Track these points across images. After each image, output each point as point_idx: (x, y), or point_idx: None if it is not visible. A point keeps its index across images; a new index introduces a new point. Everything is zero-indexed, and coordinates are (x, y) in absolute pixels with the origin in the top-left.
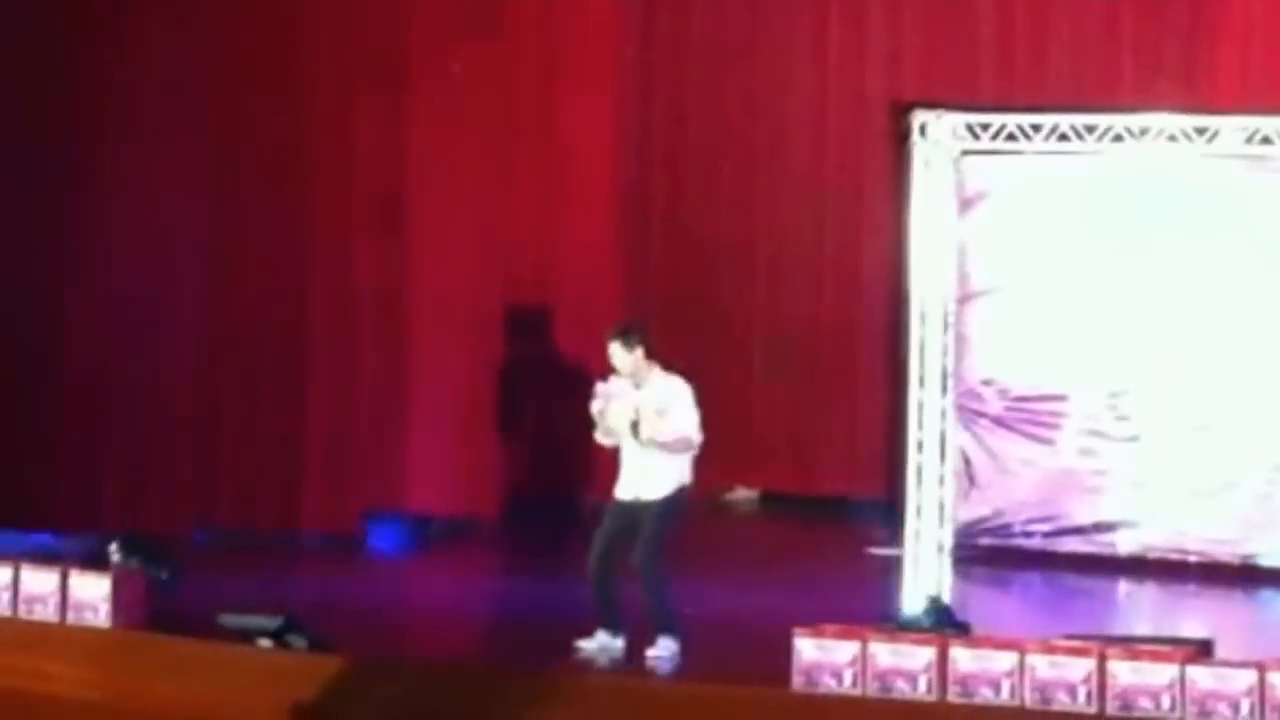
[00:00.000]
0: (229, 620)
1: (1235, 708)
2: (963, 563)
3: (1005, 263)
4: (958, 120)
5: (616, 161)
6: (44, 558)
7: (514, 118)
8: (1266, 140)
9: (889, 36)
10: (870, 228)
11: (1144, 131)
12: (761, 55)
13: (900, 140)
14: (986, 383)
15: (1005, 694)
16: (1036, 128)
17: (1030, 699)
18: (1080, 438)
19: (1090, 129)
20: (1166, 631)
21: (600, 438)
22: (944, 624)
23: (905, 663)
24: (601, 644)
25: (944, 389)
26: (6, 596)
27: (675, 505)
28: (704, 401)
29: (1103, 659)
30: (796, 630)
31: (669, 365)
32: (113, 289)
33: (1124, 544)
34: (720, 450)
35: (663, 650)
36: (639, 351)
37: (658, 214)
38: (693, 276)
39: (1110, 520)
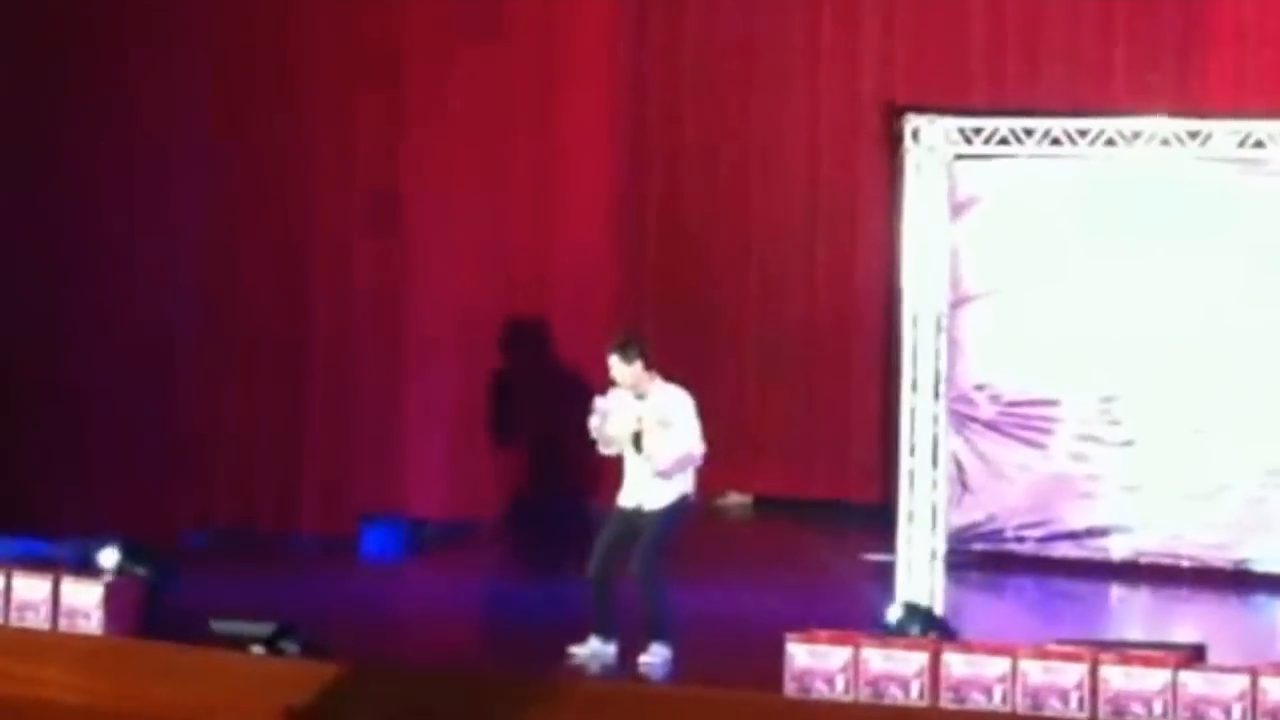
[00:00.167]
0: (221, 627)
1: (1227, 713)
2: (955, 568)
3: (998, 267)
4: (950, 125)
5: (612, 165)
6: (36, 564)
7: (510, 121)
8: (1259, 144)
9: (882, 41)
10: (863, 232)
11: (1136, 135)
12: (755, 59)
13: (893, 145)
14: (979, 387)
15: (997, 699)
16: (1029, 132)
17: (1022, 704)
18: (1073, 442)
19: (1083, 133)
20: (1159, 637)
21: (602, 449)
22: (926, 627)
23: (897, 668)
24: (594, 650)
25: (936, 394)
26: None
27: (677, 514)
28: (697, 406)
29: (1095, 664)
30: (789, 636)
31: (668, 375)
32: (109, 292)
33: (1117, 549)
34: (713, 454)
35: (655, 656)
36: (638, 364)
37: (653, 218)
38: (687, 281)
39: (1103, 525)
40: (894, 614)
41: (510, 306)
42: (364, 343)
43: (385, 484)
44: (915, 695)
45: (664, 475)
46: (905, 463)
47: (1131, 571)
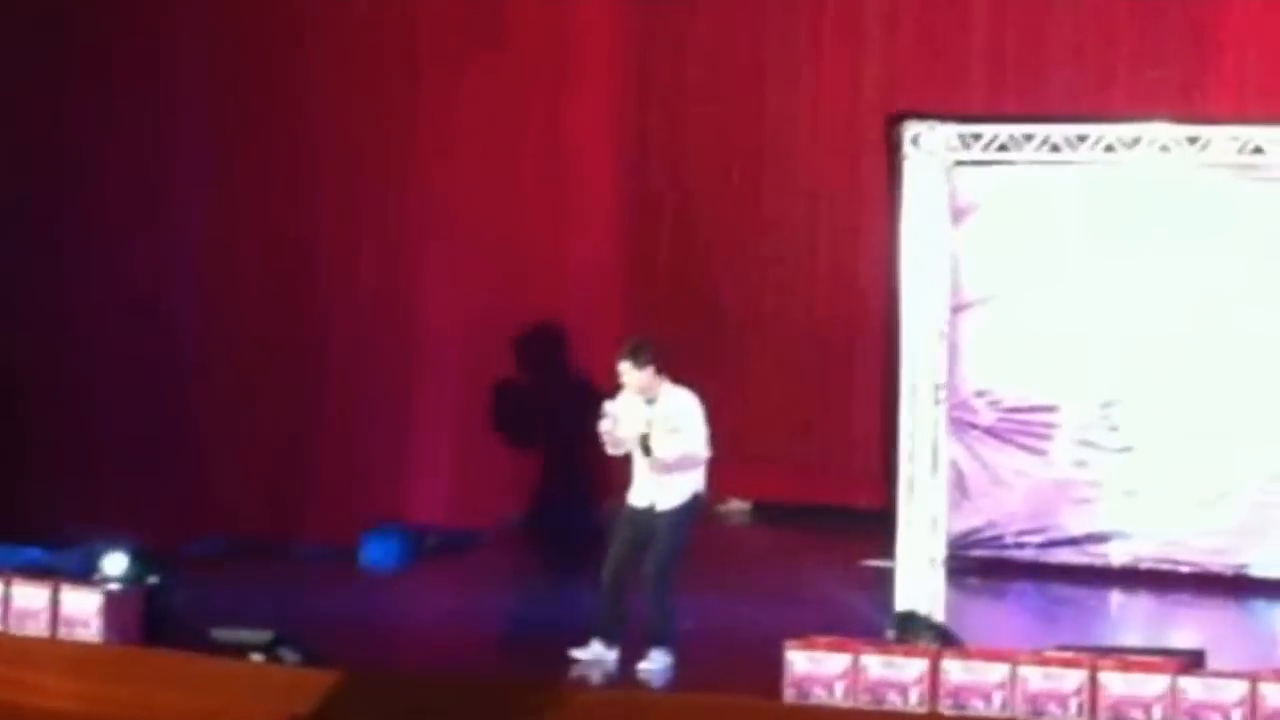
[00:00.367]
0: (220, 635)
1: (1227, 719)
2: (955, 574)
3: (998, 273)
4: (950, 131)
5: (618, 172)
6: (35, 573)
7: (518, 127)
8: (1258, 150)
9: (883, 47)
10: (864, 238)
11: (1136, 141)
12: (758, 65)
13: (893, 150)
14: (979, 393)
15: (997, 706)
16: (1029, 138)
17: (1022, 711)
18: (1072, 448)
19: (1082, 139)
20: (1158, 642)
21: (610, 450)
22: (923, 632)
23: (897, 675)
24: (596, 654)
25: (936, 400)
26: None
27: (690, 514)
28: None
29: (1094, 670)
30: (788, 642)
31: (676, 378)
32: (111, 300)
33: (1116, 555)
34: (713, 460)
35: (655, 663)
36: (649, 369)
37: (658, 225)
38: (691, 287)
39: (1102, 531)
40: (891, 633)
41: (515, 313)
42: (368, 351)
43: (388, 492)
44: (914, 702)
45: (666, 471)
46: (905, 469)
47: (1131, 577)
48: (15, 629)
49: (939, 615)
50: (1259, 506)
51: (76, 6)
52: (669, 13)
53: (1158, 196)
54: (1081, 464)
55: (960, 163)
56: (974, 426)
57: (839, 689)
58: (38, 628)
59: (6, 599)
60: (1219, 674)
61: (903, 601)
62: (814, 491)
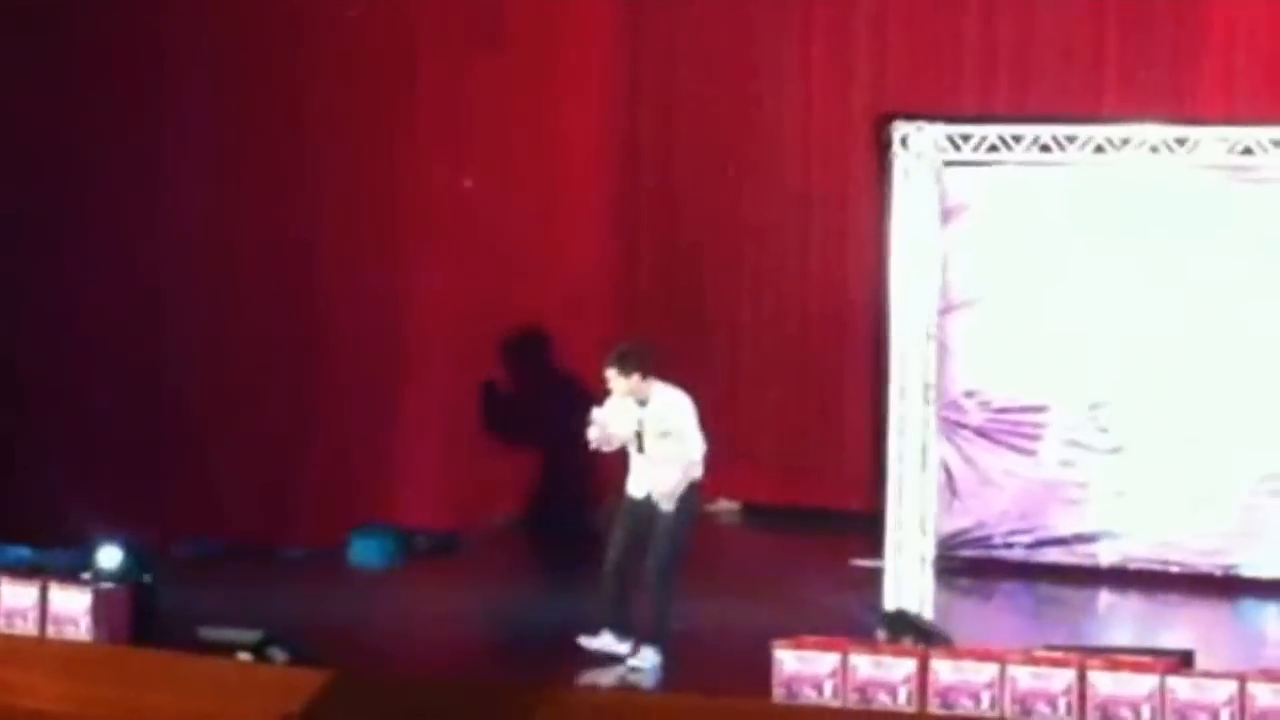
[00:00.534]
0: (208, 634)
1: (1215, 719)
2: (944, 574)
3: (987, 273)
4: (939, 131)
5: (607, 173)
6: (24, 571)
7: (507, 131)
8: (1248, 151)
9: (872, 48)
10: (853, 239)
11: (1125, 142)
12: (747, 67)
13: (882, 151)
14: (968, 394)
15: (986, 705)
16: (1018, 138)
17: (1011, 710)
18: (1062, 449)
19: (1072, 139)
20: (1147, 642)
21: (604, 448)
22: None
23: (886, 674)
24: (606, 644)
25: (925, 400)
26: None
27: (689, 505)
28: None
29: (1083, 670)
30: (777, 642)
31: (665, 378)
32: (102, 303)
33: (1105, 555)
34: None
35: (644, 661)
36: (635, 376)
37: (647, 225)
38: (680, 288)
39: (1091, 531)
40: (882, 632)
41: (505, 315)
42: (358, 352)
43: (377, 493)
44: (903, 701)
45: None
46: (894, 469)
47: (1120, 577)
48: (4, 627)
49: (928, 615)
50: (1248, 507)
51: (76, 5)
52: (659, 15)
53: (1147, 198)
54: (1071, 464)
55: (949, 163)
56: (963, 427)
57: (828, 689)
58: (26, 626)
59: None
60: (1208, 674)
61: (892, 602)
62: (803, 492)
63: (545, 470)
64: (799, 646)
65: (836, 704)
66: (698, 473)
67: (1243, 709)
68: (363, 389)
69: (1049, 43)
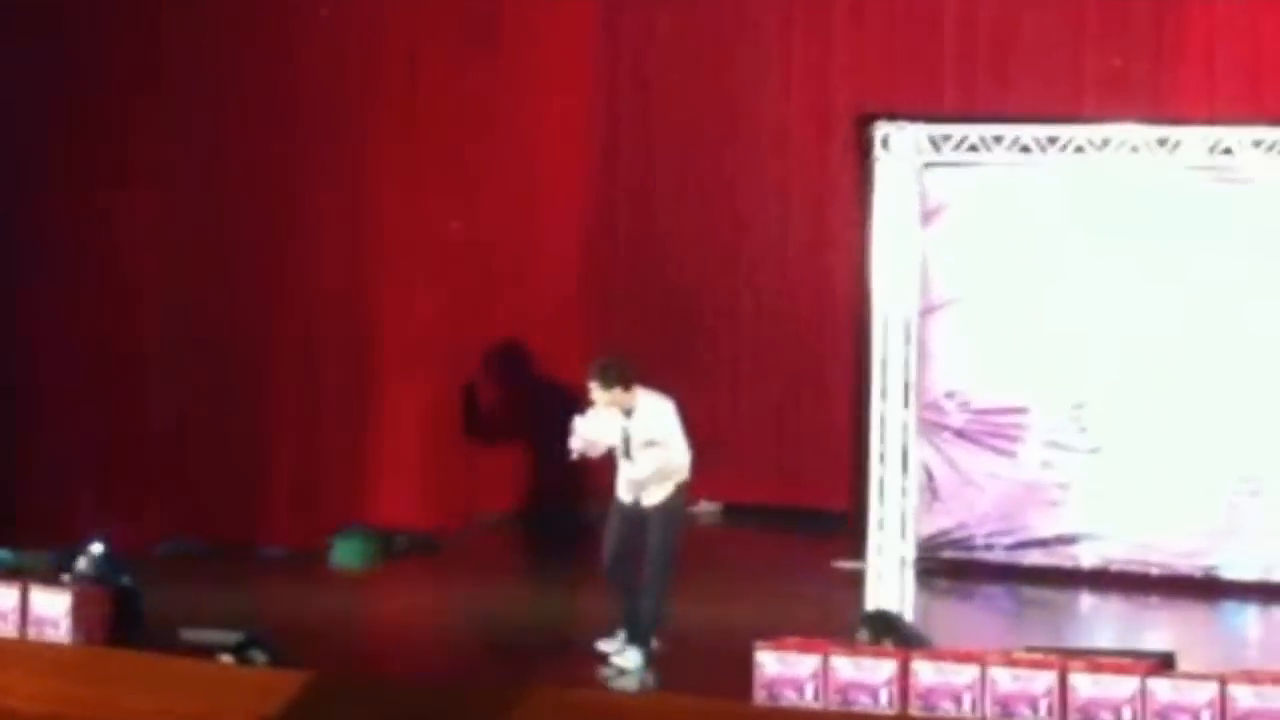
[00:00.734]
0: (189, 635)
1: None
2: (925, 575)
3: (967, 274)
4: (920, 132)
5: (586, 174)
6: (4, 573)
7: (484, 133)
8: (1228, 151)
9: (852, 48)
10: (833, 240)
11: (1106, 143)
12: (726, 68)
13: (863, 152)
14: (949, 395)
15: (967, 707)
16: (999, 139)
17: (991, 712)
18: (1042, 450)
19: (1052, 140)
20: (1128, 644)
21: (591, 454)
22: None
23: (867, 676)
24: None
25: (906, 401)
26: None
27: (677, 507)
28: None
29: (1064, 672)
30: (758, 644)
31: (647, 381)
32: (78, 303)
33: (1086, 556)
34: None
35: (628, 661)
36: (618, 389)
37: (625, 227)
38: (658, 289)
39: (1072, 533)
40: (864, 633)
41: (482, 316)
42: (334, 353)
43: (355, 495)
44: (884, 703)
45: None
46: (875, 470)
47: (1101, 579)
48: None
49: (909, 617)
50: (1228, 508)
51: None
52: (637, 17)
53: (1128, 198)
54: (1051, 466)
55: (930, 164)
56: (944, 428)
57: (809, 690)
58: (6, 628)
59: None
60: (1188, 675)
61: (873, 603)
62: (784, 493)
63: (525, 470)
64: (780, 648)
65: (818, 706)
66: (685, 476)
67: (1223, 711)
68: (342, 390)
69: (1029, 44)
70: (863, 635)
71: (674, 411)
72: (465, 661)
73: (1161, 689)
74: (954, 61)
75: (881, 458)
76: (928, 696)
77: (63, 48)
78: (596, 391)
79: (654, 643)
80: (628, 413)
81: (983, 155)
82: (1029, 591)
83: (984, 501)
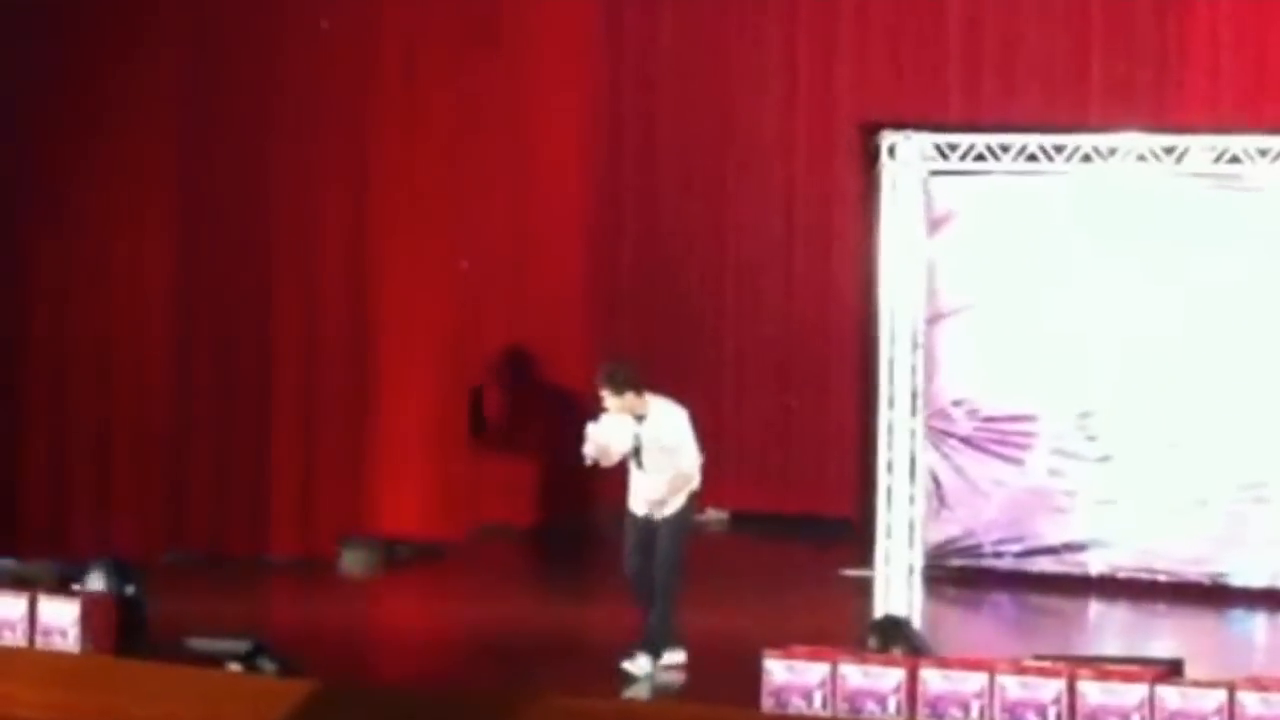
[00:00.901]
0: (197, 644)
1: None
2: (933, 583)
3: (974, 283)
4: (926, 141)
5: (588, 181)
6: (12, 583)
7: (485, 137)
8: (1235, 159)
9: (857, 57)
10: (840, 249)
11: (1112, 151)
12: (730, 78)
13: (869, 161)
14: (956, 403)
15: (975, 715)
16: (1005, 148)
17: None
18: (1050, 458)
19: (1059, 149)
20: (1136, 651)
21: (604, 463)
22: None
23: (875, 684)
24: (672, 658)
25: (913, 409)
26: None
27: (686, 516)
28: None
29: (1072, 679)
30: (766, 651)
31: (656, 389)
32: (80, 311)
33: (1094, 564)
34: None
35: (638, 667)
36: (629, 394)
37: (629, 234)
38: (664, 297)
39: (1080, 540)
40: (873, 640)
41: (485, 323)
42: (336, 364)
43: (360, 503)
44: (892, 711)
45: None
46: (883, 478)
47: (1109, 586)
48: None
49: (916, 625)
50: (1236, 515)
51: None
52: (641, 22)
53: (1135, 206)
54: (1059, 473)
55: (936, 173)
56: (951, 436)
57: (817, 698)
58: (15, 638)
59: None
60: (1197, 683)
61: (881, 611)
62: (792, 501)
63: (530, 477)
64: (788, 656)
65: (826, 714)
66: (696, 483)
67: (1232, 717)
68: (346, 397)
69: (1034, 52)
70: (872, 642)
71: (686, 418)
72: (471, 669)
73: (1170, 696)
74: (959, 70)
75: (889, 465)
76: (936, 704)
77: (62, 47)
78: (608, 398)
79: (678, 653)
80: (639, 418)
81: (989, 164)
82: (1037, 599)
83: (991, 509)
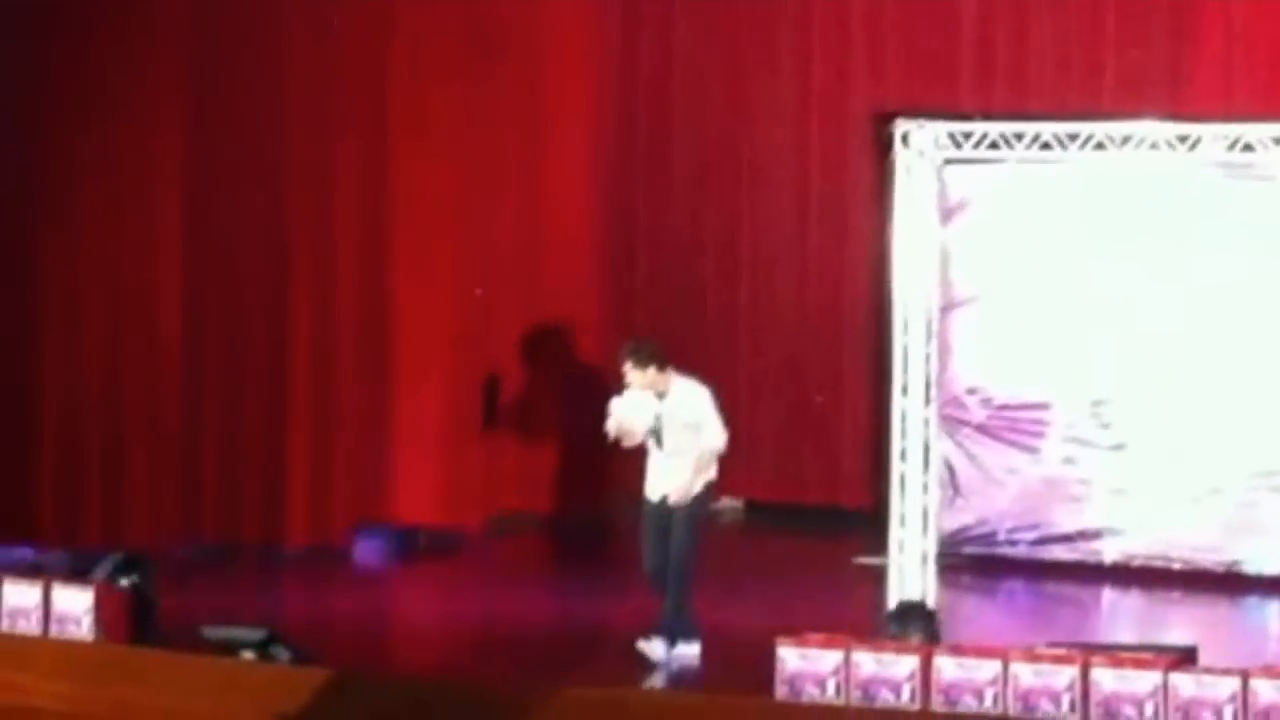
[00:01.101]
0: (212, 633)
1: (1219, 715)
2: (947, 571)
3: (988, 271)
4: (940, 129)
5: (602, 172)
6: (27, 571)
7: (499, 129)
8: (1248, 148)
9: (871, 46)
10: (853, 237)
11: (1126, 139)
12: (744, 67)
13: (883, 150)
14: (970, 391)
15: (989, 702)
16: (1019, 136)
17: (1014, 707)
18: (1064, 446)
19: (1072, 137)
20: (1150, 639)
21: (625, 443)
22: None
23: (889, 671)
24: (687, 651)
25: (927, 398)
26: None
27: (703, 503)
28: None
29: (1086, 667)
30: (780, 639)
31: (690, 363)
32: (93, 303)
33: (1108, 552)
34: None
35: (653, 650)
36: (652, 369)
37: (642, 223)
38: (677, 287)
39: (1094, 528)
40: (892, 625)
41: (499, 314)
42: (350, 352)
43: (374, 493)
44: (906, 698)
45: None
46: (896, 467)
47: (1123, 574)
48: (6, 627)
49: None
50: (1250, 503)
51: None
52: (652, 13)
53: (1148, 194)
54: (1073, 461)
55: (950, 161)
56: (965, 424)
57: (831, 686)
58: (29, 626)
59: None
60: (1210, 670)
61: (896, 599)
62: (806, 490)
63: (546, 466)
64: (802, 644)
65: (840, 701)
66: (713, 473)
67: (1246, 705)
68: (361, 387)
69: (1047, 40)
70: (891, 627)
71: (709, 395)
72: (486, 659)
73: (1184, 684)
74: (973, 58)
75: (903, 454)
76: (950, 691)
77: (66, 43)
78: (631, 373)
79: (694, 645)
80: (661, 395)
81: (1002, 152)
82: (1051, 587)
83: (1005, 497)
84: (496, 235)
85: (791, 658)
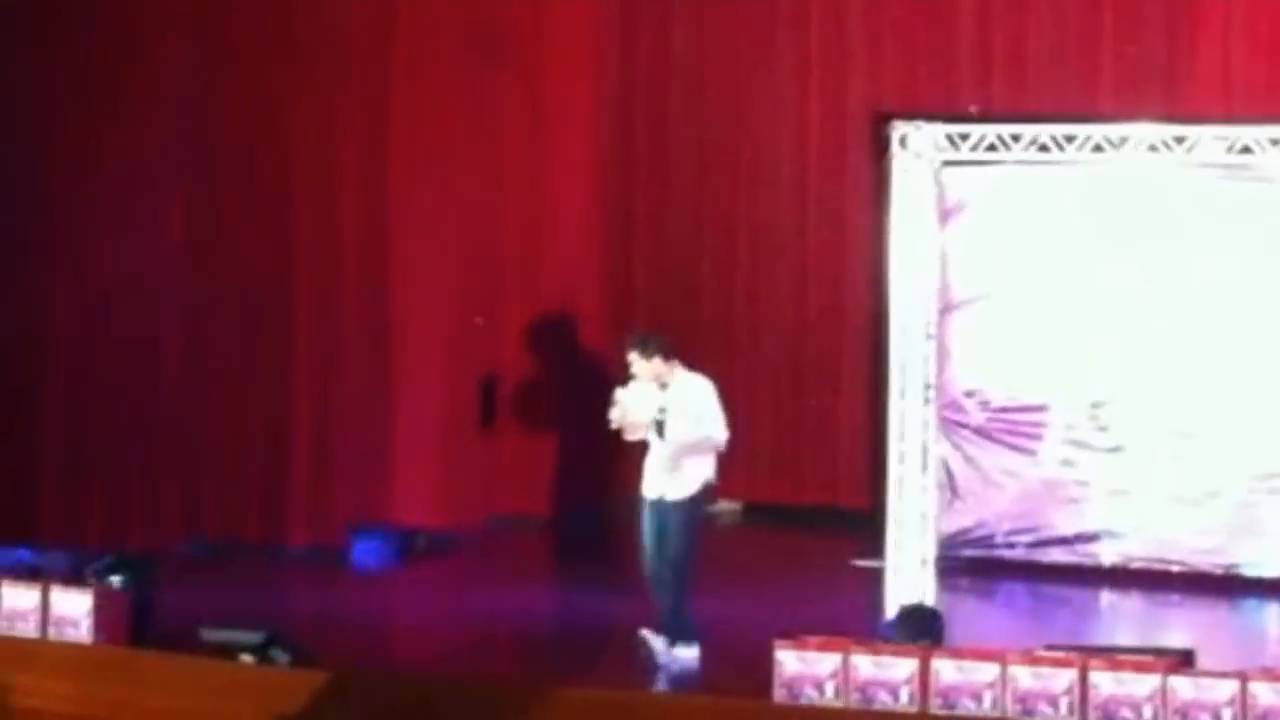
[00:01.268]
0: (211, 635)
1: (1217, 718)
2: (945, 574)
3: (986, 273)
4: (938, 131)
5: (600, 173)
6: (25, 573)
7: (498, 127)
8: (1246, 150)
9: (869, 48)
10: (851, 239)
11: (1124, 141)
12: (742, 68)
13: (881, 151)
14: (968, 393)
15: (987, 705)
16: (1016, 138)
17: (1012, 710)
18: (1062, 448)
19: (1070, 139)
20: (1149, 642)
21: (627, 436)
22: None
23: (887, 674)
24: (687, 651)
25: (925, 400)
26: None
27: (700, 504)
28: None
29: (1085, 669)
30: (778, 642)
31: (688, 363)
32: (94, 302)
33: (1106, 554)
34: None
35: (654, 642)
36: (658, 359)
37: (641, 225)
38: (675, 289)
39: (1092, 530)
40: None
41: (498, 314)
42: (350, 354)
43: (374, 494)
44: (905, 701)
45: (682, 456)
46: (895, 469)
47: (1121, 577)
48: (5, 629)
49: None
50: (1248, 506)
51: (56, 8)
52: (651, 13)
53: (1146, 196)
54: (1071, 464)
55: (948, 163)
56: (963, 426)
57: (829, 689)
58: (28, 628)
59: None
60: (1209, 673)
61: (894, 601)
62: (804, 492)
63: (545, 467)
64: (800, 646)
65: (838, 704)
66: (711, 473)
67: (1244, 708)
68: (360, 387)
69: (1045, 42)
70: (898, 634)
71: (713, 388)
72: (485, 659)
73: (1182, 687)
74: (971, 60)
75: (901, 456)
76: (948, 694)
77: (69, 41)
78: (637, 362)
79: (693, 648)
80: (665, 387)
81: (1000, 154)
82: (1049, 589)
83: (1004, 500)
84: (497, 235)
85: (790, 660)
